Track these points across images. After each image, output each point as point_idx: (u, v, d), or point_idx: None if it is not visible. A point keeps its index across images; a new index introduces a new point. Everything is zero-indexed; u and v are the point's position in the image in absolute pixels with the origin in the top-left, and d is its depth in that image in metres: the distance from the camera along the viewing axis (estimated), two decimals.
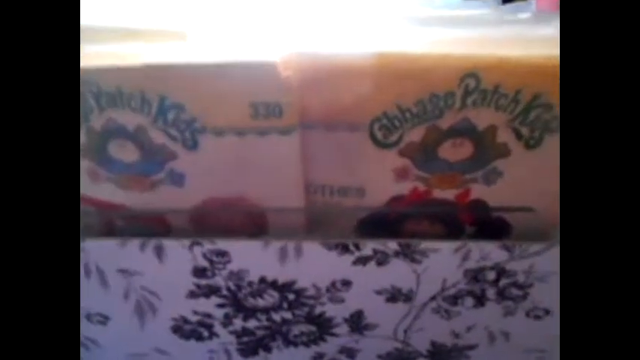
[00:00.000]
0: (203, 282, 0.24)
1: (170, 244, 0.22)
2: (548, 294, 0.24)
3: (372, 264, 0.23)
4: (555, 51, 0.17)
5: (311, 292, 0.24)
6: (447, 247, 0.22)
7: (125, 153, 0.20)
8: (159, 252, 0.23)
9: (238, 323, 0.27)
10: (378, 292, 0.24)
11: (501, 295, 0.24)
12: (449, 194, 0.21)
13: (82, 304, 0.25)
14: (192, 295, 0.25)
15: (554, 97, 0.17)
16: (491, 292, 0.24)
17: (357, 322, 0.26)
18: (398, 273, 0.23)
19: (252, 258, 0.23)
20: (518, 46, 0.18)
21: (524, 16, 0.24)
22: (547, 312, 0.25)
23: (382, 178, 0.20)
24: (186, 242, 0.22)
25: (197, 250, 0.22)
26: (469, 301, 0.25)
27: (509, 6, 0.27)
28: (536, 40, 0.19)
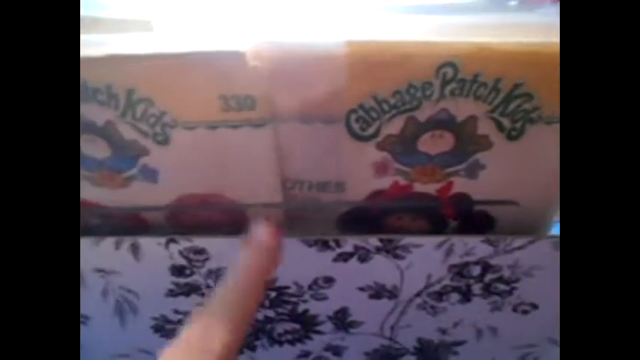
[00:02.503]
0: (182, 280, 0.23)
1: (145, 242, 0.22)
2: (535, 288, 0.23)
3: (353, 260, 0.22)
4: (536, 38, 0.17)
5: (293, 289, 0.24)
6: (429, 242, 0.21)
7: (96, 149, 0.20)
8: (134, 250, 0.22)
9: None
10: (362, 289, 0.24)
11: (487, 290, 0.24)
12: (431, 188, 0.20)
13: None
14: (171, 293, 0.24)
15: (535, 86, 0.17)
16: (476, 288, 0.24)
17: (342, 320, 0.26)
18: (381, 269, 0.22)
19: (230, 255, 0.22)
20: (498, 33, 0.17)
21: (511, 3, 0.24)
22: (534, 306, 0.25)
23: (362, 172, 0.20)
24: (162, 240, 0.21)
25: (174, 247, 0.22)
26: (455, 296, 0.24)
27: None
28: (518, 28, 0.18)
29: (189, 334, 0.16)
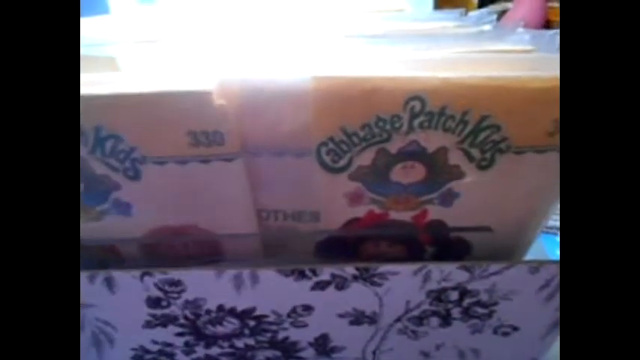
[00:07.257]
0: (159, 312, 0.23)
1: (120, 276, 0.21)
2: (514, 311, 0.23)
3: (331, 288, 0.22)
4: (505, 71, 0.17)
5: (272, 318, 0.24)
6: (406, 269, 0.21)
7: None
8: (109, 283, 0.22)
9: (201, 351, 0.26)
10: (341, 316, 0.24)
11: (466, 313, 0.24)
12: (406, 216, 0.20)
13: None
14: (148, 324, 0.24)
15: (502, 118, 0.17)
16: (456, 312, 0.23)
17: (323, 345, 0.26)
18: (359, 296, 0.22)
19: (207, 286, 0.22)
20: (467, 66, 0.17)
21: (485, 28, 0.24)
22: (515, 328, 0.25)
23: (336, 202, 0.20)
24: (137, 273, 0.21)
25: (148, 280, 0.21)
26: (435, 320, 0.24)
27: (473, 16, 0.26)
28: (488, 59, 0.18)
29: None
